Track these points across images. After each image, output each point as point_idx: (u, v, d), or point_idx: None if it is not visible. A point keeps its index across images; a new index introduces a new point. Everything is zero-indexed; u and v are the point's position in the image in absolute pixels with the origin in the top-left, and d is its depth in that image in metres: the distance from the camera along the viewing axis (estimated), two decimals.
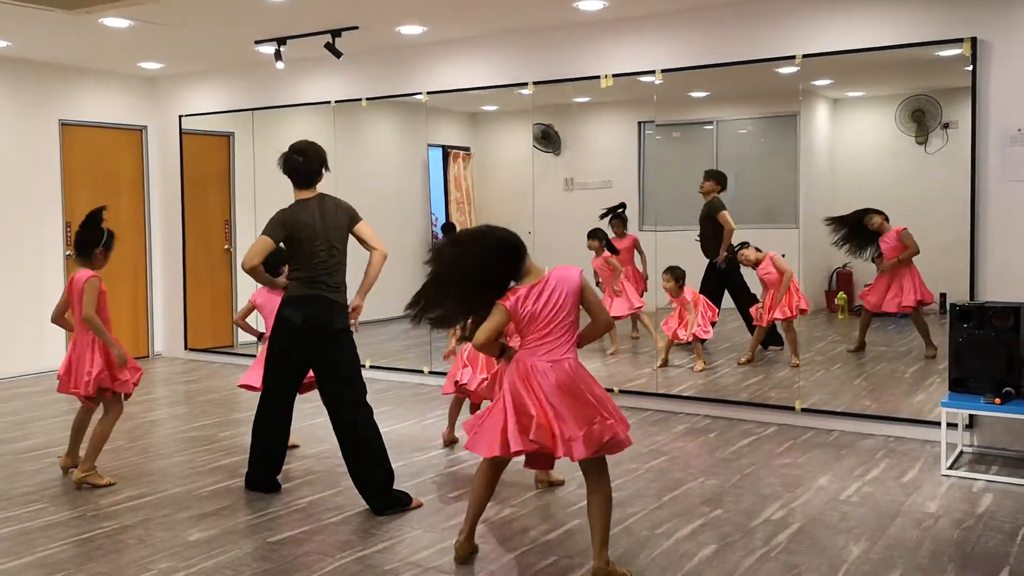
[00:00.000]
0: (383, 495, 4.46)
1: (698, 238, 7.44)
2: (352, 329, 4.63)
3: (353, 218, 4.63)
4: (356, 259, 4.69)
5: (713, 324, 7.27)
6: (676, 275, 7.02)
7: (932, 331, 6.62)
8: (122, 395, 5.01)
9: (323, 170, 4.65)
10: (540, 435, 3.47)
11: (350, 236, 4.65)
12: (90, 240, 4.93)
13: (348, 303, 4.63)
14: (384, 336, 8.82)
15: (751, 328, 7.21)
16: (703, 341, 7.24)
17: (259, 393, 4.93)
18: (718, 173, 7.41)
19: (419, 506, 4.52)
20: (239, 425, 6.35)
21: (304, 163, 4.58)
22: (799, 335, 6.89)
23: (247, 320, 5.66)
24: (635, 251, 7.89)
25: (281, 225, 4.55)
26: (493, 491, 3.80)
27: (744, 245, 7.04)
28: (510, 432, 3.50)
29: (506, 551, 3.95)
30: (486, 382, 5.10)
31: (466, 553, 3.81)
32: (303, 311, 4.52)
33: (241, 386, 5.59)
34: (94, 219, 4.97)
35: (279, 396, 4.70)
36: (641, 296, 7.70)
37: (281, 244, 4.60)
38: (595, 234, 7.72)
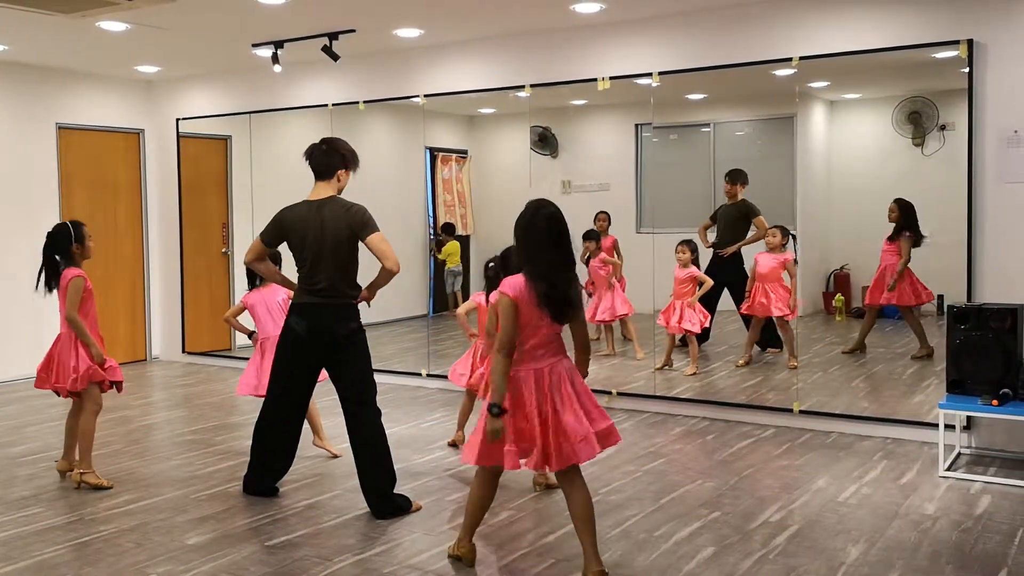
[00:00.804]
0: (383, 499, 4.45)
1: (715, 240, 7.42)
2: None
3: (365, 228, 4.40)
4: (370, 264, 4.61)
5: (708, 330, 7.29)
6: (692, 247, 7.11)
7: (929, 333, 6.63)
8: (99, 389, 5.00)
9: (345, 166, 4.53)
10: (524, 454, 3.50)
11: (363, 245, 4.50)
12: (61, 244, 4.93)
13: (357, 308, 4.55)
14: (383, 339, 8.82)
15: (747, 326, 7.23)
16: (699, 341, 7.26)
17: (260, 397, 4.94)
18: (743, 173, 7.37)
19: (418, 509, 4.52)
20: (237, 428, 6.34)
21: (323, 152, 4.51)
22: (797, 336, 6.90)
23: (237, 319, 5.66)
24: (613, 252, 7.91)
25: (273, 226, 4.56)
26: (492, 497, 3.78)
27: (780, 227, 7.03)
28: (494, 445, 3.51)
29: (504, 554, 3.94)
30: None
31: (473, 557, 3.80)
32: (307, 320, 4.48)
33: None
34: (53, 232, 4.97)
35: (283, 404, 4.66)
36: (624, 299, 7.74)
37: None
38: (591, 235, 7.76)
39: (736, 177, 7.34)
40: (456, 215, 9.10)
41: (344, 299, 4.48)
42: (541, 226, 3.48)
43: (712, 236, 7.47)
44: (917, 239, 6.47)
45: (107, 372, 4.98)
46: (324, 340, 4.47)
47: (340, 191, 4.56)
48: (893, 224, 6.54)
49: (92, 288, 4.99)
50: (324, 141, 4.59)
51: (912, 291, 6.53)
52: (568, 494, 3.57)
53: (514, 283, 3.48)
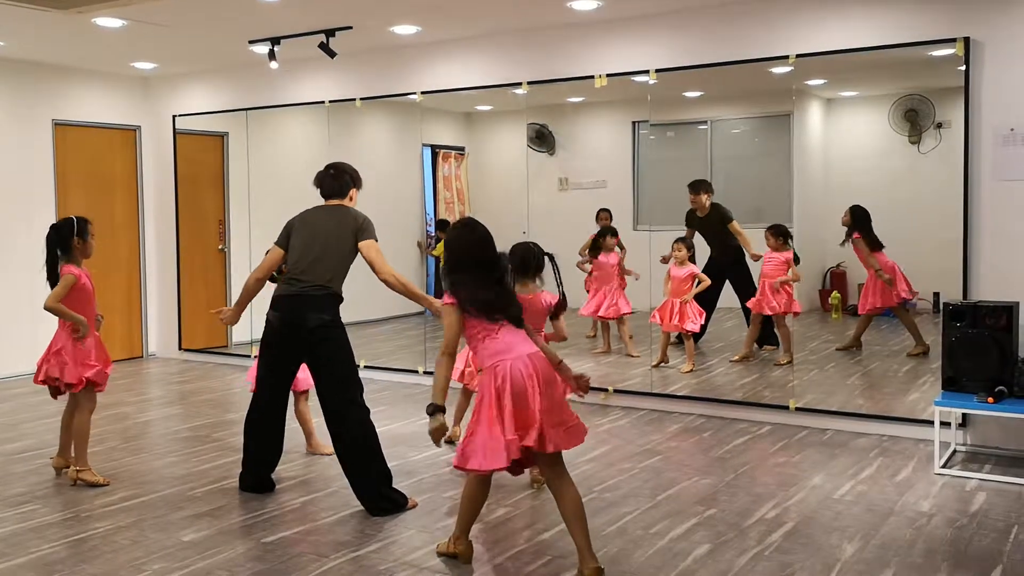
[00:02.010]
0: (378, 495, 4.46)
1: (711, 252, 7.48)
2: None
3: (364, 232, 4.55)
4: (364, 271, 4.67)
5: (704, 327, 7.31)
6: (688, 244, 7.16)
7: (925, 330, 6.63)
8: (94, 389, 4.98)
9: (354, 185, 4.76)
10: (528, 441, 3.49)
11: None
12: (62, 237, 4.92)
13: (335, 301, 4.56)
14: (378, 336, 8.83)
15: (748, 322, 7.25)
16: (695, 339, 7.28)
17: None
18: (706, 182, 7.48)
19: (414, 506, 4.52)
20: (233, 425, 6.34)
21: (332, 177, 4.73)
22: (793, 333, 6.91)
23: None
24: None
25: (283, 230, 4.73)
26: (486, 495, 3.78)
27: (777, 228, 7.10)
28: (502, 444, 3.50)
29: (500, 551, 3.95)
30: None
31: (470, 554, 3.81)
32: (280, 312, 4.56)
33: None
34: (58, 225, 4.97)
35: (267, 396, 4.71)
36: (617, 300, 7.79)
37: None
38: (609, 231, 7.80)
39: (699, 187, 7.41)
40: (456, 212, 9.11)
41: (322, 291, 4.51)
42: (473, 245, 3.67)
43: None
44: (872, 241, 6.55)
45: (91, 370, 4.92)
46: (298, 333, 4.51)
47: None
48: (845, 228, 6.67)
49: (91, 288, 4.96)
50: (331, 166, 4.79)
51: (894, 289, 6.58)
52: (556, 491, 3.58)
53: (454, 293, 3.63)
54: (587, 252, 7.97)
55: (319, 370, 4.57)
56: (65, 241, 4.92)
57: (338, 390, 4.52)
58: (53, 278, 4.94)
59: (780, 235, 6.97)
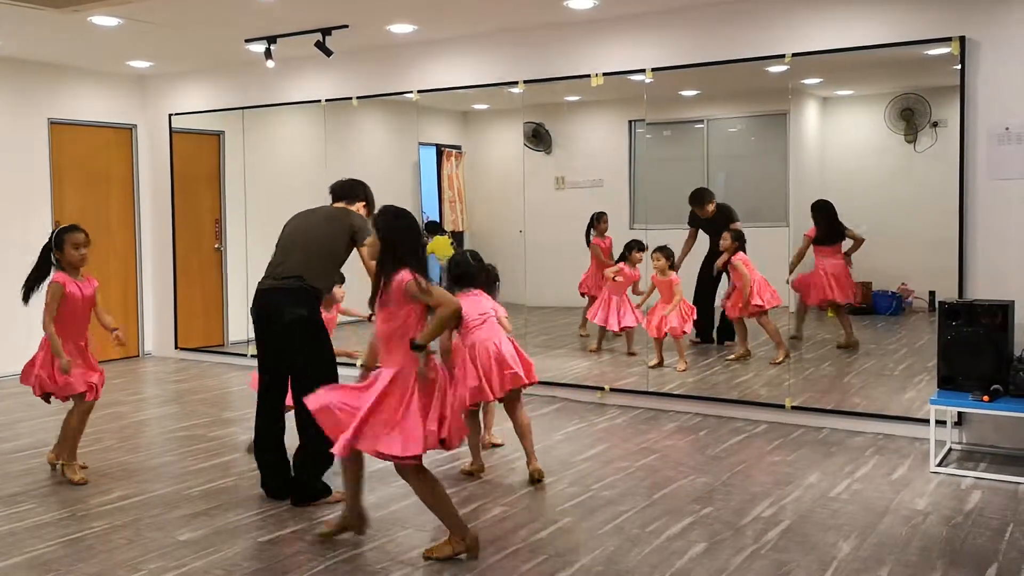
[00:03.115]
0: (302, 487, 4.54)
1: (710, 249, 7.51)
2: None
3: (362, 233, 4.54)
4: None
5: (711, 323, 7.33)
6: (667, 254, 7.13)
7: (921, 329, 6.65)
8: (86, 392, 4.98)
9: (365, 201, 4.84)
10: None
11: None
12: (43, 250, 4.97)
13: (312, 295, 4.53)
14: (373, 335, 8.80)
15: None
16: (690, 340, 7.29)
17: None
18: (708, 191, 7.51)
19: (339, 501, 4.42)
20: (230, 425, 6.34)
21: (348, 184, 4.85)
22: (786, 332, 6.92)
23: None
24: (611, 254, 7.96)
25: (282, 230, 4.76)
26: (357, 465, 3.97)
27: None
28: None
29: (496, 550, 3.95)
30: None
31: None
32: (257, 305, 4.58)
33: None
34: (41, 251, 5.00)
35: (264, 394, 4.68)
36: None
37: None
38: (643, 247, 7.49)
39: (704, 199, 7.41)
40: (456, 211, 9.10)
41: (296, 284, 4.48)
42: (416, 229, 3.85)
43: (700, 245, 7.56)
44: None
45: (60, 388, 4.91)
46: (273, 327, 4.50)
47: None
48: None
49: (80, 297, 4.93)
50: (352, 179, 4.90)
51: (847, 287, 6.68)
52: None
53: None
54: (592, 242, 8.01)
55: (295, 363, 4.50)
56: (46, 254, 4.96)
57: (309, 383, 4.42)
58: (30, 290, 4.99)
59: (736, 238, 7.07)
